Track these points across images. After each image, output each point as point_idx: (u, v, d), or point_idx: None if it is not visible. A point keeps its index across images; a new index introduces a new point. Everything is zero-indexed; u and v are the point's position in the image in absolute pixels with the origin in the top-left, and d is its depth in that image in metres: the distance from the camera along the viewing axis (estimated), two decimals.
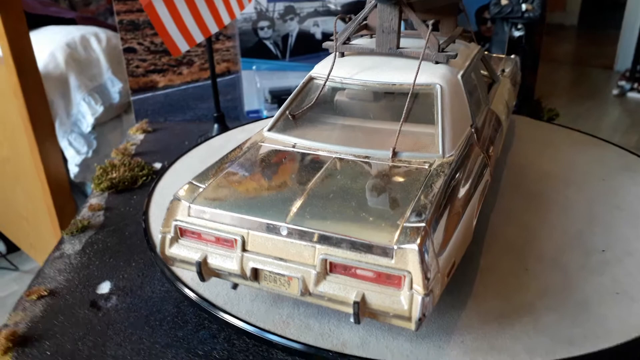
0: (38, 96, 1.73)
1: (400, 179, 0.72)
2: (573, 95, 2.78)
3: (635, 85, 3.14)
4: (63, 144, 2.04)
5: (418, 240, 0.58)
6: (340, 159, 0.76)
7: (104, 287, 0.90)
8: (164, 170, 1.24)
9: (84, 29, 2.19)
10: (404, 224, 0.61)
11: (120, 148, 1.51)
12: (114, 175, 1.30)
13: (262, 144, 0.83)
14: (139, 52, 1.69)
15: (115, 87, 2.12)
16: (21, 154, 1.85)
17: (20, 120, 1.74)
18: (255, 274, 0.66)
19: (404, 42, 0.89)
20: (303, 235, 0.63)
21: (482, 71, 1.07)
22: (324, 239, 0.62)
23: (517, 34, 1.50)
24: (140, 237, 1.03)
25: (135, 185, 1.28)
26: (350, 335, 0.71)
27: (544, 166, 1.15)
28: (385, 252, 0.59)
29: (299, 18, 1.64)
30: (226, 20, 1.35)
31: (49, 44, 2.05)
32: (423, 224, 0.60)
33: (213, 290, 0.79)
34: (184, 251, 0.69)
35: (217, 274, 0.69)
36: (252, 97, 1.74)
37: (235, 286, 0.73)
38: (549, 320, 0.73)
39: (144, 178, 1.29)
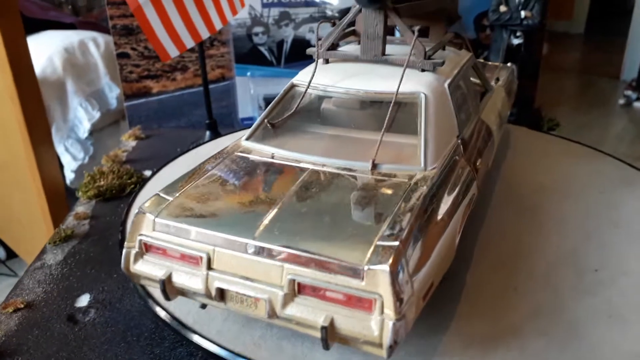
0: (35, 101, 1.72)
1: (379, 193, 0.68)
2: (578, 104, 2.73)
3: None
4: (59, 149, 2.03)
5: (390, 261, 0.55)
6: (318, 171, 0.73)
7: (83, 300, 0.87)
8: (148, 178, 1.21)
9: (82, 34, 2.18)
10: (377, 243, 0.57)
11: (110, 155, 1.49)
12: (102, 183, 1.27)
13: (238, 153, 0.80)
14: (132, 57, 1.67)
15: (113, 93, 2.11)
16: (17, 160, 1.84)
17: (17, 125, 1.73)
18: (222, 294, 0.62)
19: (390, 49, 0.86)
20: (270, 254, 0.59)
21: (474, 79, 1.04)
22: (293, 258, 0.58)
23: (516, 41, 1.46)
24: None
25: (123, 194, 1.25)
26: (324, 358, 0.67)
27: (540, 179, 1.11)
28: (356, 272, 0.55)
29: (294, 24, 1.61)
30: (218, 25, 1.33)
31: (47, 49, 2.05)
32: (397, 243, 0.57)
33: (184, 308, 0.75)
34: (149, 268, 0.66)
35: (182, 292, 0.65)
36: (246, 104, 1.71)
37: (204, 306, 0.69)
38: (537, 346, 0.68)
39: (132, 186, 1.27)
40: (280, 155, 0.78)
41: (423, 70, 0.82)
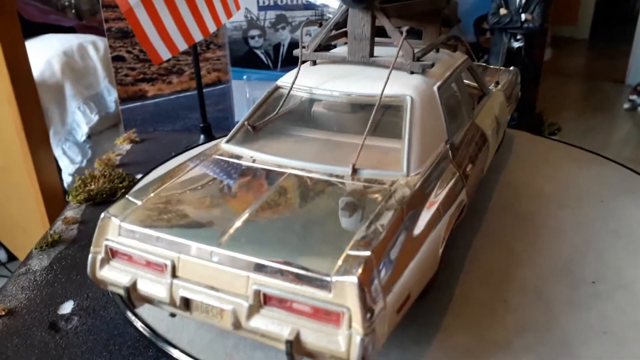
0: (32, 104, 1.71)
1: (357, 200, 0.65)
2: (583, 108, 2.68)
3: None
4: (57, 152, 2.01)
5: (359, 272, 0.51)
6: (295, 176, 0.70)
7: (67, 307, 0.85)
8: (137, 181, 1.19)
9: (82, 37, 2.17)
10: (347, 252, 0.54)
11: (103, 158, 1.47)
12: (92, 187, 1.25)
13: (216, 157, 0.77)
14: (127, 60, 1.66)
15: (112, 96, 2.09)
16: (15, 163, 1.83)
17: (14, 128, 1.72)
18: (187, 303, 0.59)
19: (380, 50, 0.83)
20: (235, 262, 0.56)
21: (470, 82, 1.00)
22: (258, 267, 0.55)
23: (516, 45, 1.42)
24: None
25: (114, 198, 1.23)
26: None
27: (538, 186, 1.07)
28: (323, 284, 0.52)
29: (291, 27, 1.59)
30: (212, 27, 1.30)
31: (46, 52, 2.04)
32: (368, 253, 0.53)
33: (157, 315, 0.72)
34: (114, 274, 0.63)
35: (148, 300, 0.62)
36: (242, 107, 1.68)
37: (173, 314, 0.66)
38: None
39: (123, 190, 1.25)
40: (259, 159, 0.75)
41: (412, 73, 0.79)
